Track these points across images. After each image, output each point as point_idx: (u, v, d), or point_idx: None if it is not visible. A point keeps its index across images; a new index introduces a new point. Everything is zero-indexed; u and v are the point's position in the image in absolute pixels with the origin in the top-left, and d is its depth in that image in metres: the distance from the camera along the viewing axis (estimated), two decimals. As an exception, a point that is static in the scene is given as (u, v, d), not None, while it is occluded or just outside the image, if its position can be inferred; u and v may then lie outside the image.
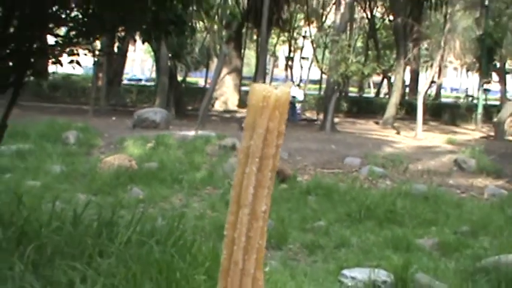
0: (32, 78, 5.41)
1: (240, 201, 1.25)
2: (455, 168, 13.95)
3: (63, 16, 5.00)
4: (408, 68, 35.75)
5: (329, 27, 38.00)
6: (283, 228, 7.62)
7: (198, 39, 28.81)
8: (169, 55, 23.89)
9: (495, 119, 25.42)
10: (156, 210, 8.60)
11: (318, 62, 38.82)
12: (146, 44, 22.36)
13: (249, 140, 1.24)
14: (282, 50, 54.45)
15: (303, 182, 11.32)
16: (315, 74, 48.20)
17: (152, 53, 32.02)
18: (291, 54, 46.29)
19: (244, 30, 35.04)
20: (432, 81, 29.61)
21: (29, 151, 12.06)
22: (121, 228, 4.81)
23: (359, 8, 36.99)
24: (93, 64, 20.43)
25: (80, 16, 5.15)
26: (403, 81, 33.24)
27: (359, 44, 41.08)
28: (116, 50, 27.13)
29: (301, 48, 49.51)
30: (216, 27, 28.25)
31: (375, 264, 6.29)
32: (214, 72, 23.69)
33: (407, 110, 33.57)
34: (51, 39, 5.29)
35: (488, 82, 30.12)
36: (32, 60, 4.77)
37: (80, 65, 5.27)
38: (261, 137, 1.23)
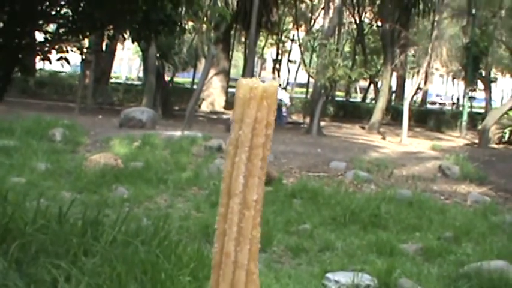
0: (19, 74, 5.38)
1: (231, 191, 1.24)
2: (440, 174, 14.04)
3: (53, 13, 4.98)
4: (395, 74, 35.93)
5: (317, 31, 38.16)
6: (268, 231, 7.62)
7: (186, 39, 28.76)
8: (157, 55, 23.85)
9: (480, 127, 25.60)
10: (141, 210, 8.58)
11: (305, 65, 38.94)
12: (134, 43, 22.27)
13: (238, 131, 1.25)
14: (270, 53, 54.54)
15: (288, 184, 11.33)
16: (302, 77, 48.34)
17: (140, 53, 31.96)
18: (279, 57, 46.40)
19: (232, 32, 35.06)
20: (418, 88, 29.74)
21: (14, 147, 11.98)
22: (106, 227, 4.79)
23: (347, 13, 37.11)
24: (81, 62, 20.34)
25: (70, 13, 5.13)
26: (390, 87, 33.39)
27: (346, 48, 41.21)
28: (104, 48, 27.09)
29: (289, 52, 49.63)
30: (204, 28, 28.24)
31: (359, 268, 6.32)
32: (201, 73, 23.67)
33: (393, 115, 33.75)
34: (39, 36, 5.27)
35: (474, 90, 30.31)
36: (20, 56, 4.74)
37: (69, 63, 5.25)
38: (250, 126, 1.23)
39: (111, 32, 5.55)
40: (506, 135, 25.39)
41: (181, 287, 4.16)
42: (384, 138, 23.52)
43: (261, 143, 1.24)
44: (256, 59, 42.77)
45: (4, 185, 7.63)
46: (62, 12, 5.12)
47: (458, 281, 6.22)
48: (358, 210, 8.99)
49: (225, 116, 27.73)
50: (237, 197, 1.23)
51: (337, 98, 41.90)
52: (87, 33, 5.42)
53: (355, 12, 37.76)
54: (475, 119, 32.29)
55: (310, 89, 32.49)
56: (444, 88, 64.86)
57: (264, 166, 1.24)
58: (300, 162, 13.96)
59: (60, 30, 5.03)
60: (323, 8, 27.95)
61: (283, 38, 46.20)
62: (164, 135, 15.06)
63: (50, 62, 5.07)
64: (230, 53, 35.52)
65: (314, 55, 33.61)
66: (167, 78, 27.88)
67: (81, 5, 5.13)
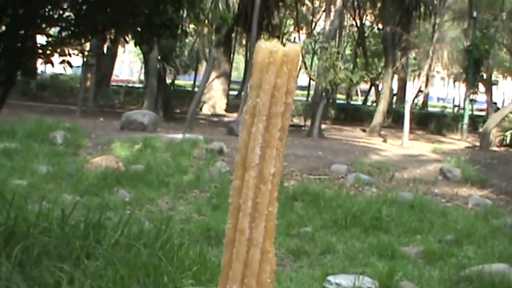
0: (20, 77, 5.40)
1: (246, 163, 1.15)
2: (441, 177, 14.06)
3: (56, 16, 5.00)
4: (396, 77, 35.95)
5: (318, 33, 38.16)
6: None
7: (187, 42, 28.79)
8: (159, 58, 23.87)
9: (481, 129, 25.61)
10: (142, 212, 8.59)
11: (306, 68, 38.95)
12: (136, 46, 22.33)
13: (255, 99, 1.16)
14: (271, 56, 54.51)
15: (290, 187, 11.34)
16: (303, 80, 48.35)
17: (141, 56, 32.00)
18: (280, 60, 46.32)
19: (233, 34, 35.10)
20: (419, 90, 29.76)
21: (15, 150, 12.00)
22: (108, 230, 4.80)
23: (348, 15, 37.16)
24: (82, 65, 20.38)
25: (72, 17, 5.15)
26: (391, 90, 33.42)
27: (348, 51, 41.26)
28: (105, 51, 27.12)
29: (290, 54, 49.56)
30: (205, 31, 28.27)
31: (360, 271, 6.32)
32: (203, 76, 23.70)
33: (394, 118, 33.75)
34: (41, 39, 5.29)
35: (475, 93, 30.34)
36: (24, 59, 4.76)
37: (71, 66, 5.27)
38: (268, 93, 1.15)
39: (113, 35, 5.56)
40: (508, 138, 25.39)
41: (183, 290, 4.18)
42: (385, 141, 23.53)
43: (280, 112, 1.15)
44: (257, 61, 42.76)
45: (6, 188, 7.63)
46: (64, 15, 5.13)
47: (460, 284, 6.23)
48: (360, 213, 9.00)
49: (226, 119, 27.75)
50: (252, 170, 1.15)
51: (338, 101, 41.90)
52: (90, 37, 5.44)
53: (356, 15, 37.80)
54: (476, 121, 32.31)
55: (311, 92, 32.50)
56: (445, 91, 64.86)
57: (283, 137, 1.16)
58: (301, 165, 13.97)
59: (63, 34, 5.04)
60: (324, 11, 28.01)
61: (284, 40, 46.22)
62: (165, 138, 15.08)
63: (53, 65, 5.09)
64: (231, 55, 35.54)
65: (315, 58, 33.60)
66: (168, 81, 27.89)
67: (84, 8, 5.15)
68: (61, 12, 5.13)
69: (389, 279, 6.08)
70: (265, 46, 1.16)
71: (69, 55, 5.21)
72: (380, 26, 35.03)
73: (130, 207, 8.69)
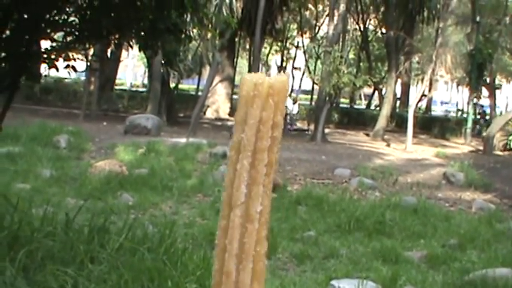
0: (24, 81, 5.41)
1: (232, 202, 1.09)
2: (444, 181, 14.05)
3: (60, 21, 5.02)
4: (399, 81, 35.94)
5: (322, 38, 38.21)
6: (273, 238, 7.63)
7: (191, 46, 28.82)
8: (162, 62, 23.90)
9: (484, 134, 25.58)
10: (145, 217, 8.60)
11: (310, 72, 38.97)
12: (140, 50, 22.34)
13: (240, 133, 1.11)
14: (275, 60, 54.60)
15: (293, 191, 11.35)
16: (307, 84, 48.40)
17: (145, 60, 32.03)
18: (284, 64, 46.45)
19: (237, 39, 35.13)
20: (423, 95, 29.75)
21: (19, 154, 12.02)
22: (112, 234, 4.81)
23: (352, 20, 37.18)
24: (85, 69, 20.41)
25: (77, 21, 5.16)
26: (394, 94, 33.40)
27: (351, 55, 41.25)
28: (109, 55, 27.17)
29: (294, 58, 49.69)
30: (209, 35, 28.33)
31: (364, 275, 6.32)
32: (206, 80, 23.72)
33: (397, 122, 33.73)
34: (46, 44, 5.31)
35: (478, 97, 30.33)
36: (28, 64, 4.78)
37: (76, 70, 5.29)
38: (253, 128, 1.09)
39: (118, 40, 5.58)
40: (511, 143, 25.37)
41: (187, 294, 4.18)
42: (388, 145, 23.52)
43: (266, 147, 1.10)
44: (260, 65, 42.86)
45: (9, 191, 7.65)
46: (69, 20, 5.15)
47: (463, 288, 6.22)
48: (363, 218, 9.00)
49: (229, 123, 27.76)
50: (238, 209, 1.09)
51: (341, 105, 41.90)
52: (94, 41, 5.46)
53: (360, 19, 37.81)
54: (480, 125, 32.28)
55: (315, 96, 32.51)
56: (449, 95, 64.83)
57: (270, 173, 1.10)
58: (305, 169, 13.97)
59: (67, 38, 5.06)
60: (328, 15, 28.04)
61: (287, 44, 46.29)
62: (169, 142, 15.09)
63: (57, 70, 5.11)
64: (235, 59, 35.57)
65: (319, 62, 33.63)
66: (172, 85, 27.94)
67: (88, 13, 5.16)
68: (66, 17, 5.14)
69: (393, 284, 6.08)
70: (250, 78, 1.11)
71: (74, 60, 5.22)
72: (383, 30, 35.06)
73: (134, 212, 8.70)
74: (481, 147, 23.92)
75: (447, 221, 9.86)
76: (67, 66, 5.19)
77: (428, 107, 45.05)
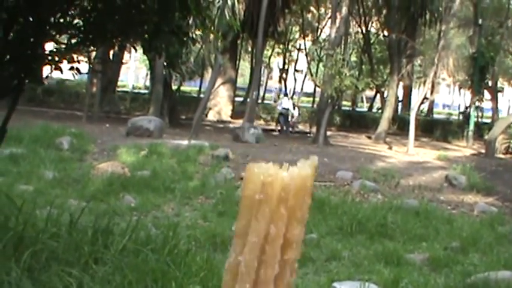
0: (28, 83, 5.44)
1: None
2: (446, 184, 14.05)
3: (65, 24, 5.04)
4: (401, 84, 35.97)
5: (324, 40, 38.21)
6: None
7: (193, 49, 28.87)
8: (164, 64, 23.94)
9: (486, 137, 25.58)
10: (148, 218, 8.62)
11: (312, 75, 38.99)
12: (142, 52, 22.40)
13: (238, 254, 0.82)
14: (277, 62, 54.66)
15: (295, 194, 11.35)
16: (309, 86, 48.41)
17: (147, 62, 32.09)
18: (285, 67, 46.50)
19: (239, 41, 35.18)
20: (425, 98, 29.77)
21: (22, 155, 12.05)
22: (116, 236, 4.84)
23: (354, 22, 37.22)
24: (88, 71, 20.45)
25: (81, 24, 5.19)
26: (396, 97, 33.44)
27: (353, 58, 41.30)
28: (111, 57, 27.22)
29: (296, 61, 49.75)
30: (211, 37, 28.39)
31: (366, 278, 6.34)
32: (208, 82, 23.76)
33: (399, 125, 33.75)
34: (50, 46, 5.34)
35: (480, 100, 30.34)
36: (34, 66, 4.81)
37: (80, 72, 5.31)
38: (256, 249, 0.80)
39: (122, 42, 5.61)
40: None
41: (190, 295, 4.20)
42: (390, 148, 23.53)
43: (271, 277, 0.81)
44: (262, 68, 42.89)
45: (12, 193, 7.67)
46: (73, 23, 5.18)
47: (465, 291, 6.23)
48: (365, 220, 9.02)
49: (231, 125, 27.80)
50: None
51: (343, 108, 41.93)
52: (99, 44, 5.48)
53: (362, 22, 37.86)
54: (482, 128, 32.28)
55: (317, 99, 32.53)
56: (451, 98, 64.84)
57: None
58: (307, 171, 13.96)
59: (72, 41, 5.09)
60: (330, 18, 28.05)
61: (289, 47, 46.35)
62: (171, 144, 15.12)
63: (62, 72, 5.13)
64: (237, 62, 35.61)
65: (321, 65, 33.65)
66: (174, 87, 27.98)
67: (93, 15, 5.19)
68: (70, 19, 5.17)
69: (395, 286, 6.10)
70: (258, 171, 0.81)
71: (78, 62, 5.25)
72: (385, 33, 35.07)
73: (136, 213, 8.72)
74: (483, 150, 23.92)
75: (449, 223, 9.87)
76: (71, 68, 5.22)
77: (430, 110, 45.07)
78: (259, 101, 38.75)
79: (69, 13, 5.10)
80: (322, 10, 41.48)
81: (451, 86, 58.97)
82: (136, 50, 5.85)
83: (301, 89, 49.21)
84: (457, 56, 31.16)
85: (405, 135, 25.46)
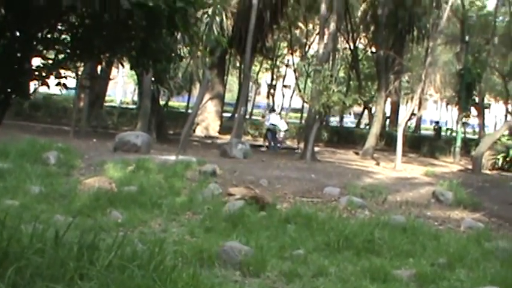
0: (15, 97, 5.42)
1: None
2: (433, 200, 14.10)
3: (52, 39, 5.05)
4: (389, 100, 36.17)
5: (312, 56, 38.43)
6: (262, 256, 7.64)
7: (181, 64, 28.92)
8: (152, 79, 23.96)
9: (473, 153, 25.74)
10: (135, 234, 8.57)
11: (299, 90, 39.17)
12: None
13: None
14: (265, 78, 54.84)
15: (283, 210, 11.35)
16: (297, 102, 48.57)
17: (135, 77, 32.09)
18: (273, 82, 46.67)
19: (227, 56, 35.29)
20: (412, 114, 29.95)
21: (8, 170, 11.97)
22: (102, 251, 4.81)
23: (342, 38, 37.47)
24: (75, 86, 20.42)
25: (69, 40, 5.19)
26: (384, 113, 33.60)
27: (341, 74, 41.54)
28: (99, 72, 27.21)
29: (284, 77, 49.94)
30: (199, 53, 28.46)
31: (353, 294, 6.33)
32: (196, 98, 23.79)
33: (387, 141, 33.91)
34: (37, 61, 5.33)
35: (467, 116, 30.56)
36: (21, 81, 4.81)
37: (67, 88, 5.31)
38: None
39: (109, 58, 5.61)
40: (500, 161, 25.53)
41: (176, 312, 4.18)
42: (377, 164, 23.60)
43: None
44: (250, 83, 42.99)
45: (-2, 208, 7.62)
46: (61, 38, 5.18)
47: (452, 307, 6.24)
48: (352, 236, 9.01)
49: (219, 141, 27.79)
50: None
51: (331, 124, 42.07)
52: (86, 60, 5.48)
53: (350, 38, 38.11)
54: (469, 144, 32.48)
55: (305, 114, 32.65)
56: (438, 114, 65.23)
57: None
58: (294, 187, 13.99)
59: (59, 56, 5.08)
60: (318, 34, 28.21)
61: (277, 63, 46.54)
62: (158, 160, 15.09)
63: (48, 87, 5.13)
64: (225, 77, 35.73)
65: (308, 80, 33.82)
66: (162, 102, 27.98)
67: (80, 31, 5.19)
68: (57, 35, 5.17)
69: (382, 303, 6.09)
70: None
71: (65, 77, 5.24)
72: (373, 50, 35.34)
73: (123, 229, 8.67)
74: (470, 166, 24.05)
75: (436, 239, 9.88)
76: (58, 84, 5.21)
77: (417, 126, 45.33)
78: (247, 116, 38.82)
79: (57, 28, 5.10)
80: (311, 26, 41.74)
81: (438, 102, 59.36)
82: (123, 66, 5.86)
83: (289, 104, 49.35)
84: (444, 72, 31.48)
85: (393, 151, 25.57)
